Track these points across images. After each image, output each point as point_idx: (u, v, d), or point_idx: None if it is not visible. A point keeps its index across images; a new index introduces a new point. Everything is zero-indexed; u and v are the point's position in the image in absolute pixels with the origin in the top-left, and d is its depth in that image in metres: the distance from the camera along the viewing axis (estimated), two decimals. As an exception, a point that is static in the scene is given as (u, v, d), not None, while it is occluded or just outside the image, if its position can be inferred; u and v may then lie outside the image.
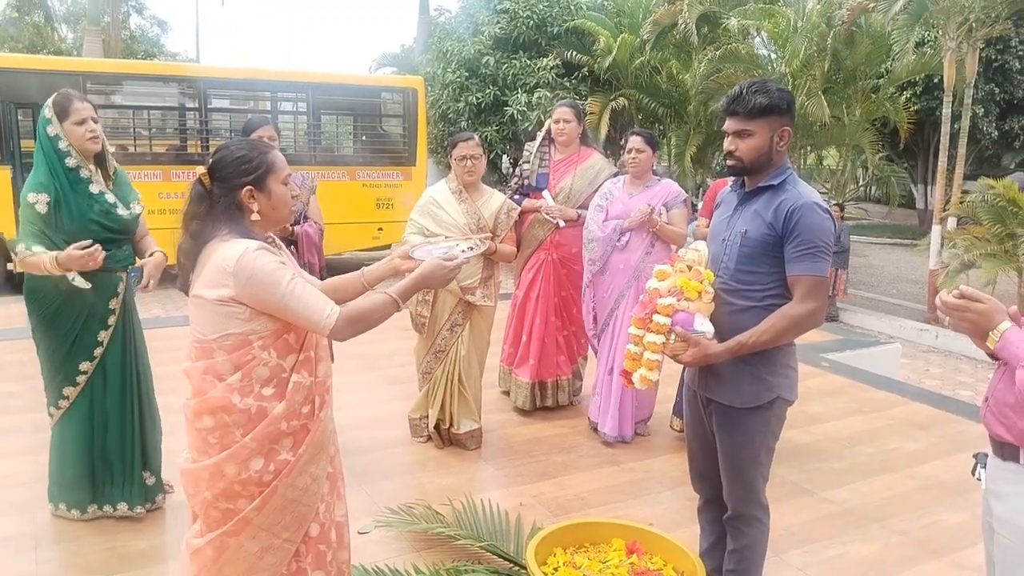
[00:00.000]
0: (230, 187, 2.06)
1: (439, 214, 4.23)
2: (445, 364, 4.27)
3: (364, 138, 12.55)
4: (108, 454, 3.39)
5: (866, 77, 13.33)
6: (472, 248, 2.36)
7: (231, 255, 1.97)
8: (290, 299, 1.97)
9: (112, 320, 3.33)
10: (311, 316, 1.99)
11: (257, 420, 2.02)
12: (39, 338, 3.31)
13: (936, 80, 14.52)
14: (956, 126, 11.86)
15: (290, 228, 3.96)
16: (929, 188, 19.16)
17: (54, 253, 3.05)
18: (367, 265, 2.34)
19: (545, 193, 4.75)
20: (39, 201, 3.14)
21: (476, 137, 4.29)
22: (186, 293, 2.12)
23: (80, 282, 3.12)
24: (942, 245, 11.17)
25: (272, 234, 2.23)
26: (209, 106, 11.13)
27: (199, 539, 2.10)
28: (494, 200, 4.32)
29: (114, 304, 3.33)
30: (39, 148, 3.22)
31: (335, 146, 13.10)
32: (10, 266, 9.62)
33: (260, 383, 2.03)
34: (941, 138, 11.76)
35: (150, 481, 3.49)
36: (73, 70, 10.48)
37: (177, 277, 2.15)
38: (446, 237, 2.51)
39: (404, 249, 2.39)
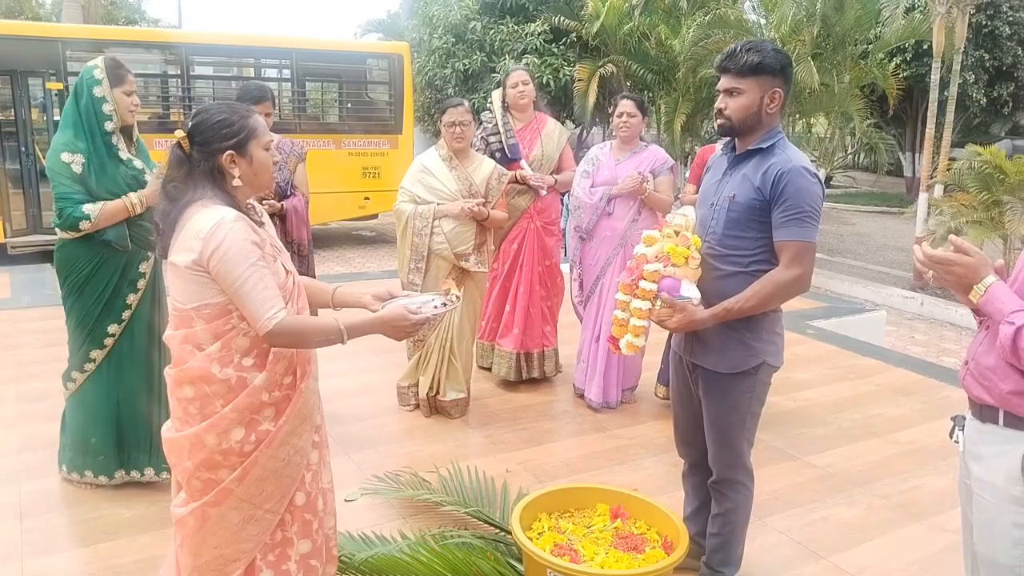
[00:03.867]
0: (210, 152, 2.01)
1: (430, 181, 4.20)
2: (439, 331, 4.27)
3: (349, 106, 12.42)
4: (136, 417, 3.40)
5: (855, 43, 13.26)
6: (446, 304, 2.27)
7: (207, 222, 1.93)
8: (245, 282, 1.92)
9: (141, 284, 3.37)
10: (256, 308, 1.93)
11: (238, 390, 2.00)
12: (70, 305, 3.32)
13: (925, 46, 14.45)
14: (945, 93, 11.83)
15: (279, 205, 3.90)
16: (917, 156, 19.17)
17: (135, 193, 3.23)
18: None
19: (523, 163, 4.71)
20: (75, 161, 3.18)
21: (466, 103, 4.26)
22: (164, 257, 2.09)
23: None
24: (929, 213, 11.20)
25: (257, 205, 2.20)
26: (192, 73, 10.98)
27: (182, 508, 2.09)
28: (485, 166, 4.30)
29: (144, 268, 3.37)
30: (74, 107, 3.23)
31: (320, 114, 12.97)
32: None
33: (240, 353, 2.01)
34: (929, 105, 11.73)
35: None
36: (52, 36, 10.28)
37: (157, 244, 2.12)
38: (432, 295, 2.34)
39: (379, 291, 2.27)
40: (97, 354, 3.32)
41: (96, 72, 3.22)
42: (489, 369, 5.06)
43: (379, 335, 2.15)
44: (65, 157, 3.17)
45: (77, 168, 3.18)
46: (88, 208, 3.14)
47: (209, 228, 1.92)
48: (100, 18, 20.30)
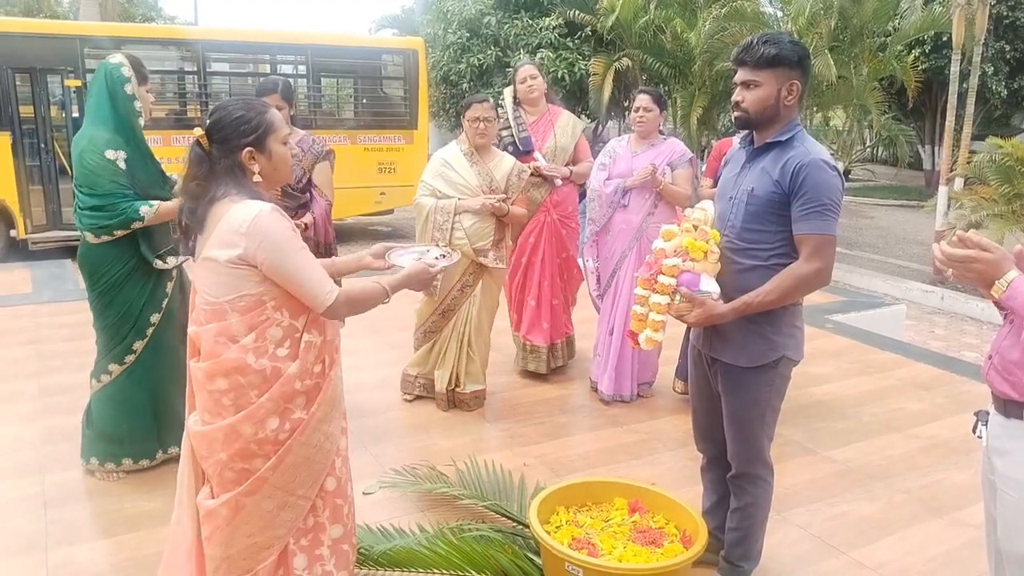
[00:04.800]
0: (230, 148, 2.04)
1: (451, 175, 4.21)
2: (456, 324, 4.28)
3: (365, 101, 12.43)
4: (170, 399, 3.47)
5: (873, 35, 13.11)
6: (445, 256, 2.46)
7: (245, 216, 1.96)
8: (298, 268, 1.99)
9: (174, 272, 3.49)
10: (313, 289, 2.01)
11: (272, 380, 2.03)
12: (108, 301, 3.35)
13: (945, 38, 14.26)
14: (964, 85, 11.70)
15: (304, 223, 3.88)
16: (936, 149, 18.99)
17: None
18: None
19: (537, 154, 4.70)
20: (119, 158, 3.23)
21: (490, 99, 4.28)
22: (190, 256, 2.11)
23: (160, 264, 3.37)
24: (949, 206, 11.09)
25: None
26: (208, 69, 11.03)
27: (212, 501, 2.11)
28: (505, 162, 4.30)
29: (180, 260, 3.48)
30: (109, 106, 3.26)
31: (336, 110, 12.99)
32: (13, 232, 9.64)
33: (274, 343, 2.04)
34: (949, 97, 11.60)
35: None
36: (70, 34, 10.35)
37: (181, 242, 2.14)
38: (440, 246, 2.60)
39: (376, 248, 2.45)
40: (139, 344, 3.39)
41: (124, 70, 3.26)
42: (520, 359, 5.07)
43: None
44: (110, 154, 3.20)
45: (121, 164, 3.22)
46: (144, 209, 3.20)
47: (248, 222, 1.95)
48: (117, 15, 20.43)
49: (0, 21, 12.75)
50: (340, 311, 2.07)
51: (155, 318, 3.40)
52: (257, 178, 2.07)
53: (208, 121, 2.08)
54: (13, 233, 9.67)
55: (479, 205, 4.10)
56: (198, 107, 10.81)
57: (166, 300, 3.44)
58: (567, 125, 4.82)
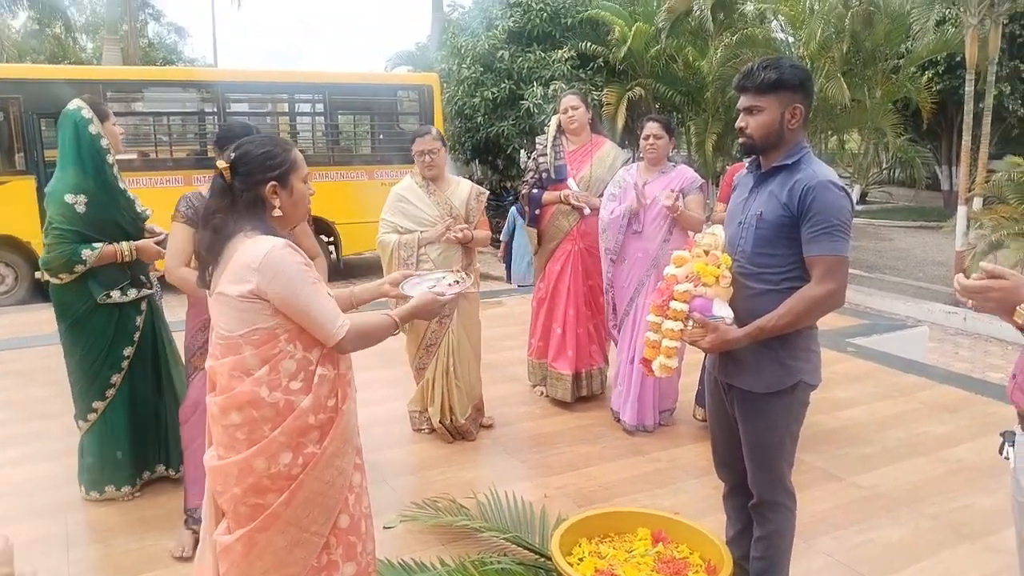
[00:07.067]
0: (253, 182, 2.08)
1: (410, 209, 4.25)
2: (439, 357, 4.30)
3: (381, 137, 12.59)
4: (148, 424, 3.62)
5: (886, 58, 13.16)
6: (458, 282, 2.48)
7: (258, 252, 1.99)
8: (310, 303, 2.00)
9: (144, 305, 3.58)
10: (324, 323, 2.03)
11: (285, 414, 2.04)
12: (75, 335, 3.48)
13: (958, 58, 14.28)
14: (980, 105, 11.66)
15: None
16: (954, 169, 18.90)
17: (127, 243, 3.39)
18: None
19: (570, 181, 4.72)
20: (78, 202, 3.33)
21: (434, 131, 4.32)
22: (206, 289, 2.13)
23: (117, 295, 3.46)
24: (968, 226, 11.01)
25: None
26: (228, 110, 11.22)
27: (227, 536, 2.10)
28: (462, 188, 4.35)
29: (144, 293, 3.58)
30: (74, 148, 3.38)
31: (353, 145, 13.15)
32: (37, 274, 9.80)
33: (288, 377, 2.05)
34: (965, 117, 11.57)
35: None
36: (94, 79, 10.62)
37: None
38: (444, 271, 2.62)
39: (394, 276, 2.51)
40: (117, 378, 3.50)
41: (84, 112, 3.39)
42: (542, 384, 5.10)
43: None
44: (68, 198, 3.32)
45: (80, 208, 3.33)
46: (86, 253, 3.31)
47: (260, 258, 1.98)
48: (139, 60, 20.92)
49: (27, 68, 13.10)
50: (351, 345, 2.09)
51: (128, 351, 3.51)
52: (277, 212, 2.10)
53: (233, 155, 2.10)
54: (37, 275, 9.84)
55: (436, 237, 4.15)
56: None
57: (137, 333, 3.54)
58: (606, 157, 4.82)
